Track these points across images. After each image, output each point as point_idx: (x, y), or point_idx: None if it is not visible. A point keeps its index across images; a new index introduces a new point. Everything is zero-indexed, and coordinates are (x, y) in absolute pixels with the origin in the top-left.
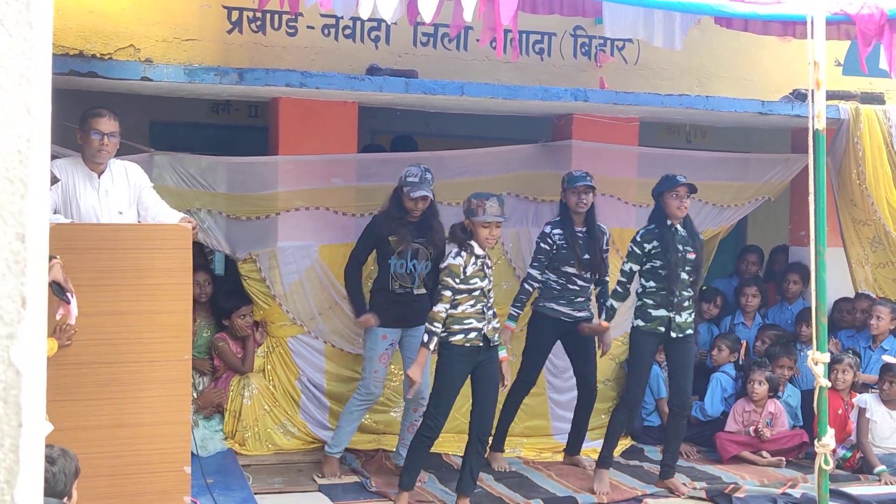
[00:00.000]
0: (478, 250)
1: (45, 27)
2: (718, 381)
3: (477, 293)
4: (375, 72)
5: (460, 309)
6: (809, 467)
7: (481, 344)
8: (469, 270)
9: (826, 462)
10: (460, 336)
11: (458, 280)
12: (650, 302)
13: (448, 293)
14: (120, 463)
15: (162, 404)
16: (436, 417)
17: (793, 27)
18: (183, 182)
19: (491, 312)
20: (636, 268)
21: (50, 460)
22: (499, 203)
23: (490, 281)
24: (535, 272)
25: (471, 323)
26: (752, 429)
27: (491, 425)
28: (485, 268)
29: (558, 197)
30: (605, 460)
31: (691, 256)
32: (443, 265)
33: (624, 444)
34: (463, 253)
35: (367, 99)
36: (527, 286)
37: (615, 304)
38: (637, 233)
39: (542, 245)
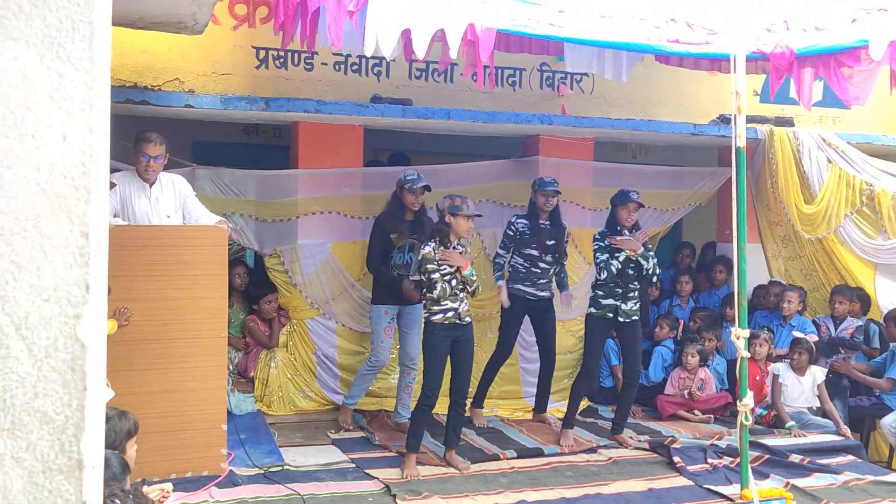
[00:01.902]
0: (453, 241)
1: (104, 63)
2: (660, 353)
3: (448, 278)
4: (378, 100)
5: (436, 293)
6: (732, 423)
7: (458, 321)
8: (440, 257)
9: (746, 419)
10: (439, 316)
11: (436, 263)
12: (601, 293)
13: (436, 275)
14: (169, 421)
15: (203, 373)
16: (431, 387)
17: (719, 63)
18: (220, 191)
19: (464, 294)
20: (606, 254)
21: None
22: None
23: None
24: (500, 251)
25: (447, 304)
26: (686, 392)
27: (467, 389)
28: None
29: (528, 202)
30: (569, 421)
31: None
32: (419, 258)
33: (582, 404)
34: (431, 243)
35: (371, 122)
36: (497, 260)
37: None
38: (596, 233)
39: (507, 231)
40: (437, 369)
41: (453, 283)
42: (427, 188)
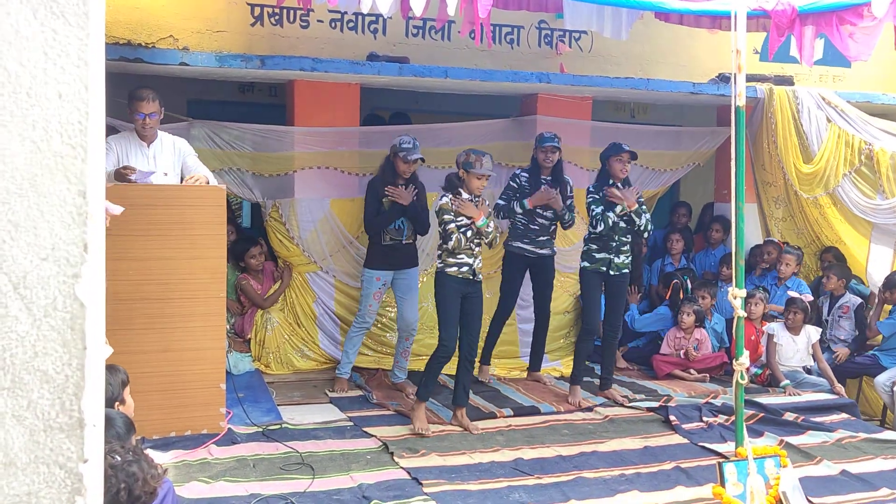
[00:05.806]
0: (464, 195)
1: (98, 18)
2: (658, 311)
3: (464, 230)
4: (374, 58)
5: (451, 244)
6: (727, 382)
7: (471, 277)
8: (455, 207)
9: (742, 377)
10: (454, 269)
11: (452, 214)
12: (594, 246)
13: (452, 225)
14: (168, 381)
15: (201, 333)
16: (447, 336)
17: (719, 21)
18: (217, 146)
19: (479, 249)
20: (602, 207)
21: None
22: (491, 161)
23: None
24: (500, 202)
25: (462, 258)
26: (682, 352)
27: (476, 348)
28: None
29: (526, 163)
30: (576, 378)
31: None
32: (435, 208)
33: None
34: (448, 195)
35: (368, 81)
36: (496, 212)
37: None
38: (590, 186)
39: (511, 183)
40: (451, 318)
41: (469, 234)
42: (421, 160)
